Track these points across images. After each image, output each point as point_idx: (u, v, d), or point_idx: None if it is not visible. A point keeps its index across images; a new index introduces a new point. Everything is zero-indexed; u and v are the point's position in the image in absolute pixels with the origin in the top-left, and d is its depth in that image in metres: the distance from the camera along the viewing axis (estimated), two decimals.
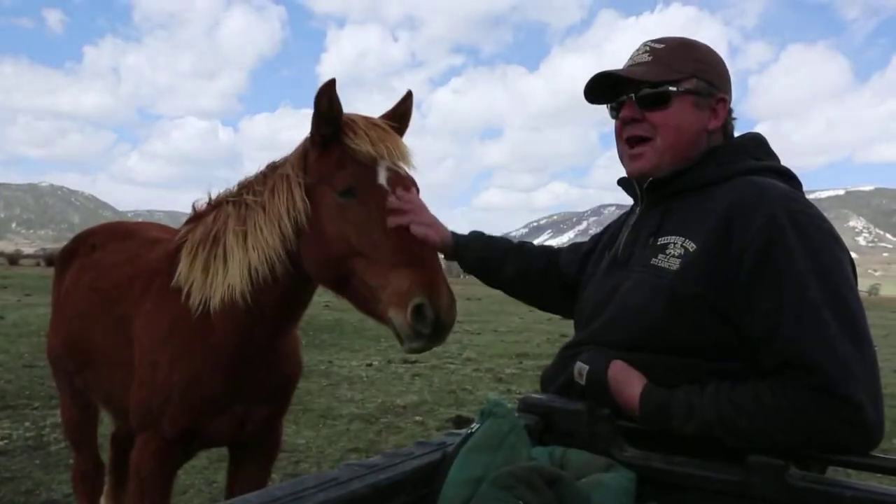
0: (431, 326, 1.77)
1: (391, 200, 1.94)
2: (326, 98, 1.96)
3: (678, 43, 1.70)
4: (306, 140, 2.14)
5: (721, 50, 1.75)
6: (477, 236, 2.16)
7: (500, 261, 2.11)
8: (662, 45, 1.67)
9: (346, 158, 1.99)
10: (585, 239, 2.16)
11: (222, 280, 2.20)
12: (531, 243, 2.22)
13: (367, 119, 2.07)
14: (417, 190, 2.08)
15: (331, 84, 1.94)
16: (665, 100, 1.63)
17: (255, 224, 2.16)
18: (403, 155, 2.07)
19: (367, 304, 1.93)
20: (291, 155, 2.18)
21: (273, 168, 2.22)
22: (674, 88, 1.62)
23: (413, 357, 11.14)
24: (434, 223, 1.99)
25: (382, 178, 1.98)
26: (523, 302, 2.23)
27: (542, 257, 2.13)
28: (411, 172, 2.10)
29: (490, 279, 2.16)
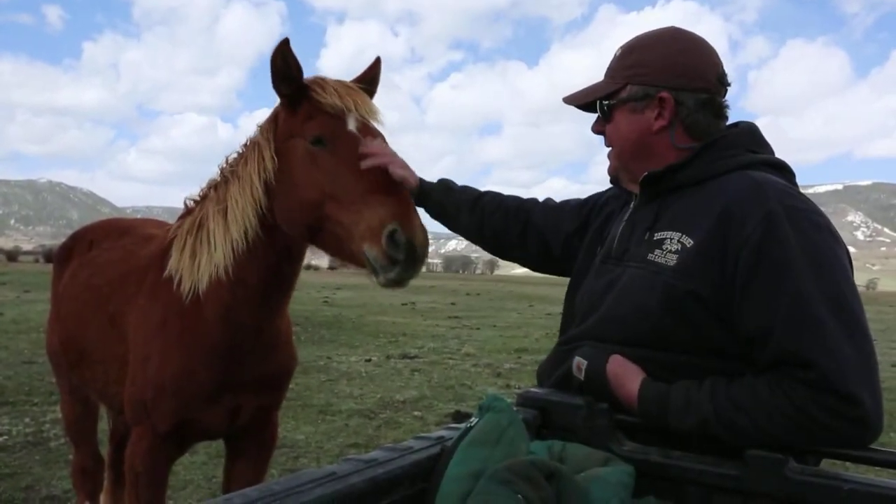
0: (405, 251, 1.79)
1: (364, 145, 1.99)
2: (280, 56, 2.01)
3: (625, 49, 1.73)
4: (277, 106, 2.19)
5: (721, 45, 1.72)
6: (440, 185, 2.23)
7: (453, 215, 2.20)
8: (619, 52, 1.74)
9: (316, 111, 2.04)
10: None
11: (208, 261, 2.23)
12: (494, 193, 2.23)
13: (335, 79, 2.13)
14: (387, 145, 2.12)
15: (284, 43, 1.99)
16: (607, 114, 1.73)
17: (231, 196, 2.20)
18: (371, 110, 2.12)
19: (342, 245, 1.95)
20: (263, 122, 2.24)
21: (248, 141, 2.27)
22: (608, 102, 1.72)
23: (412, 352, 11.16)
24: (407, 166, 2.06)
25: (352, 126, 2.03)
26: (484, 251, 2.29)
27: (499, 215, 2.14)
28: (381, 129, 2.14)
29: (449, 227, 2.25)
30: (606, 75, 1.75)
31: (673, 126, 1.65)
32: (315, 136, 2.00)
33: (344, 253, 1.97)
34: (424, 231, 1.85)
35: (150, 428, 2.35)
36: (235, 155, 2.30)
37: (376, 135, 2.08)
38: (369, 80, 2.26)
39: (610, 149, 1.78)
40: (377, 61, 2.30)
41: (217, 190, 2.30)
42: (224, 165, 2.34)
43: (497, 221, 2.14)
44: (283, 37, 2.00)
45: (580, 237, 1.99)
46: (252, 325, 2.29)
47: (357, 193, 1.90)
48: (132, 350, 2.43)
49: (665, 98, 1.63)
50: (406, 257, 1.80)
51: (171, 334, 2.33)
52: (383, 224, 1.81)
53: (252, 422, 2.51)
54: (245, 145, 2.27)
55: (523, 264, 2.24)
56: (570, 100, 1.82)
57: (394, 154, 2.04)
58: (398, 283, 1.86)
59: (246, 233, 2.15)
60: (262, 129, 2.20)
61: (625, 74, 1.68)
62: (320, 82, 2.08)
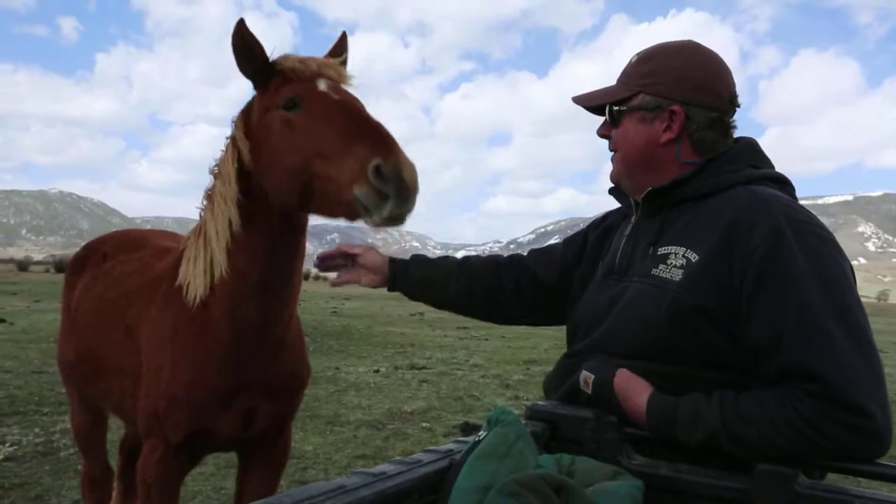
0: (394, 183, 1.75)
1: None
2: (238, 35, 2.03)
3: (643, 56, 1.73)
4: (248, 101, 2.22)
5: (732, 55, 1.70)
6: (414, 260, 2.19)
7: (441, 286, 2.13)
8: (635, 59, 1.74)
9: (285, 81, 2.06)
10: None
11: (208, 263, 2.24)
12: (477, 256, 2.21)
13: (298, 55, 2.15)
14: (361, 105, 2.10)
15: (240, 23, 2.01)
16: (615, 119, 1.73)
17: (216, 193, 2.23)
18: (340, 73, 2.11)
19: (333, 200, 1.91)
20: (236, 117, 2.26)
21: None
22: (618, 108, 1.71)
23: (421, 363, 11.15)
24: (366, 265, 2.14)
25: (323, 86, 2.03)
26: (477, 318, 2.22)
27: (490, 271, 2.11)
28: (353, 91, 2.12)
29: (434, 302, 2.19)
30: (620, 81, 1.75)
31: (680, 140, 1.66)
32: (287, 100, 2.01)
33: (338, 208, 1.93)
34: (412, 164, 1.79)
35: (163, 439, 2.35)
36: (220, 153, 2.33)
37: (347, 95, 2.07)
38: (337, 55, 2.27)
39: (613, 153, 1.79)
40: (343, 37, 2.32)
41: (210, 192, 2.33)
42: (212, 167, 2.36)
43: (489, 279, 2.09)
44: (239, 18, 2.02)
45: (578, 260, 1.98)
46: (258, 319, 2.27)
47: (338, 144, 1.87)
48: (145, 361, 2.44)
49: (676, 111, 1.64)
50: (396, 190, 1.75)
51: (181, 342, 2.34)
52: (366, 161, 1.77)
53: (265, 432, 2.51)
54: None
55: (522, 320, 2.17)
56: (580, 100, 1.82)
57: (364, 248, 2.15)
58: (393, 220, 1.80)
59: (230, 225, 2.17)
60: (235, 123, 2.23)
61: (639, 83, 1.69)
62: (285, 55, 2.11)
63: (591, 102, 1.79)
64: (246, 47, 2.06)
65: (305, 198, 2.00)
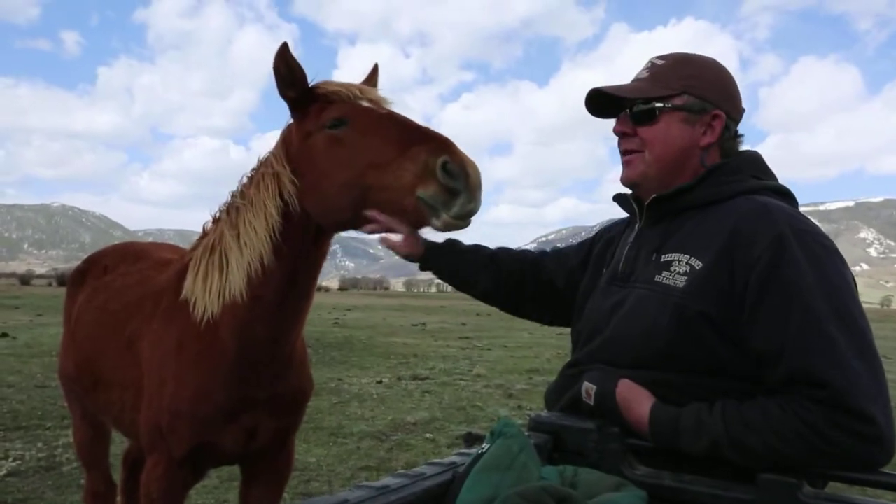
0: (463, 178, 1.76)
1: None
2: (283, 62, 2.02)
3: (677, 59, 1.72)
4: (283, 130, 2.24)
5: (732, 63, 1.75)
6: (448, 247, 2.18)
7: (470, 276, 2.15)
8: (663, 62, 1.73)
9: (328, 103, 2.07)
10: None
11: (220, 285, 2.24)
12: (508, 250, 2.22)
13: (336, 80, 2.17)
14: None
15: (284, 48, 2.00)
16: (652, 116, 1.68)
17: (244, 221, 2.21)
18: (379, 96, 2.13)
19: (395, 206, 1.89)
20: (274, 147, 2.26)
21: (259, 164, 2.29)
22: (661, 104, 1.67)
23: (423, 374, 11.13)
24: (412, 235, 2.06)
25: (367, 103, 2.05)
26: (498, 308, 2.26)
27: (516, 268, 2.13)
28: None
29: (463, 290, 2.21)
30: (653, 80, 1.70)
31: (712, 146, 1.68)
32: (334, 120, 2.01)
33: (399, 216, 1.92)
34: (474, 161, 1.81)
35: (166, 453, 2.35)
36: (246, 179, 2.32)
37: (391, 110, 2.08)
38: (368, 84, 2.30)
39: (628, 153, 1.74)
40: (375, 68, 2.35)
41: (230, 214, 2.32)
42: (236, 190, 2.36)
43: (515, 280, 2.12)
44: (283, 42, 2.00)
45: (583, 269, 1.99)
46: (268, 337, 2.28)
47: (394, 151, 1.87)
48: (146, 375, 2.43)
49: (719, 115, 1.66)
50: (465, 185, 1.77)
51: (186, 358, 2.33)
52: (431, 161, 1.78)
53: (268, 446, 2.51)
54: (255, 169, 2.29)
55: (538, 317, 2.20)
56: (612, 89, 1.73)
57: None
58: (462, 217, 1.80)
59: (261, 256, 2.16)
60: (274, 154, 2.21)
61: (682, 84, 1.67)
62: (324, 81, 2.13)
63: (628, 94, 1.71)
64: (289, 72, 2.06)
65: (358, 211, 1.99)
